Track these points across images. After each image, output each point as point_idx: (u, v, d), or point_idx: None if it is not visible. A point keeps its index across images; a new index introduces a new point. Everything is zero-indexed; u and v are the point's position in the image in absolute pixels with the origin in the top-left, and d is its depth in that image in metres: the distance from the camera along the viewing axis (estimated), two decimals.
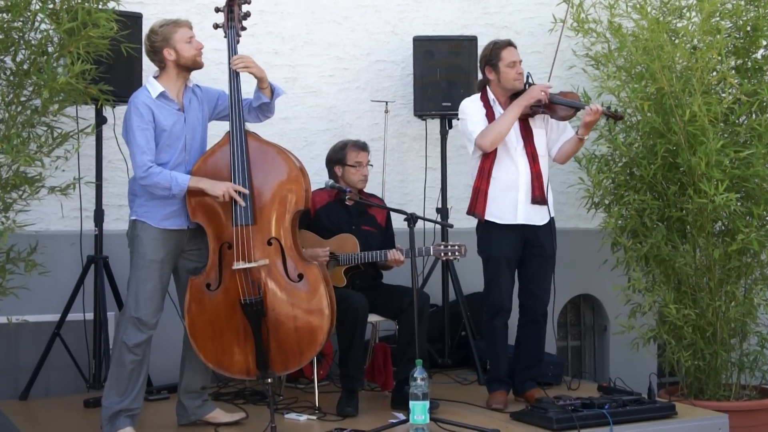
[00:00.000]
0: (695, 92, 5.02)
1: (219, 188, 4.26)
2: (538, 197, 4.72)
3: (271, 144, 4.45)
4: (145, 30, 4.86)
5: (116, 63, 4.72)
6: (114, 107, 4.94)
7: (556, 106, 4.75)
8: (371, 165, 5.11)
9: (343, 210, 5.03)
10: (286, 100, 5.68)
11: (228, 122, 4.39)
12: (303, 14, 5.80)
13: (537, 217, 4.79)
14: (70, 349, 5.01)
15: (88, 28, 4.24)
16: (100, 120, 4.98)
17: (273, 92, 4.49)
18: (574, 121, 4.93)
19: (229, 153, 4.32)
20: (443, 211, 5.76)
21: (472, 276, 5.49)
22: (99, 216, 5.09)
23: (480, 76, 4.97)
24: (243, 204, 4.26)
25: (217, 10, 4.55)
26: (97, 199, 5.09)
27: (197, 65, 4.31)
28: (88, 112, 5.05)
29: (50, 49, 4.40)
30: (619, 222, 5.40)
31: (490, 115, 4.80)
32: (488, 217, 4.74)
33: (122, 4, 4.66)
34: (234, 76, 4.38)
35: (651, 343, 5.51)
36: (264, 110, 4.53)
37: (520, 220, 4.74)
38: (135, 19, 4.94)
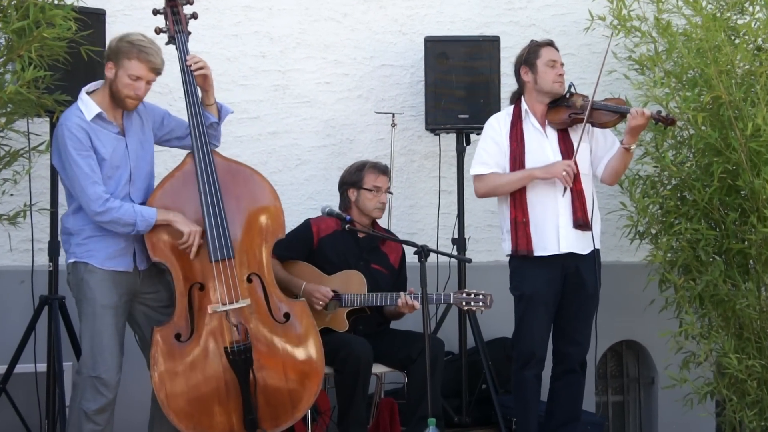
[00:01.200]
0: (759, 101, 5.01)
1: (189, 225, 4.22)
2: (581, 220, 4.72)
3: (240, 164, 4.46)
4: (109, 29, 4.88)
5: (75, 68, 4.68)
6: None
7: (596, 111, 4.77)
8: (391, 193, 5.18)
9: (352, 242, 5.05)
10: (275, 112, 5.72)
11: (177, 149, 4.43)
12: (296, 11, 5.79)
13: (580, 244, 4.78)
14: (17, 406, 4.97)
15: (42, 27, 4.21)
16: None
17: (220, 111, 4.49)
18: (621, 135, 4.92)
19: (194, 177, 4.29)
20: (460, 242, 5.69)
21: (494, 318, 5.45)
22: (54, 249, 5.03)
23: (504, 88, 5.09)
24: (192, 257, 4.20)
25: (156, 12, 4.53)
26: (51, 229, 5.04)
27: (123, 105, 4.28)
28: (41, 126, 5.00)
29: None
30: (669, 255, 5.41)
31: (518, 131, 4.82)
32: (537, 251, 4.74)
33: (82, 0, 4.64)
34: (190, 82, 4.38)
35: (707, 399, 5.46)
36: (210, 136, 4.47)
37: (563, 249, 4.73)
38: (97, 16, 4.89)
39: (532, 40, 4.96)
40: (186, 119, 4.45)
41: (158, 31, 4.50)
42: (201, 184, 4.27)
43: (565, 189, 4.66)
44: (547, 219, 4.76)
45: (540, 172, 4.70)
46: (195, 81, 4.39)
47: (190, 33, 4.52)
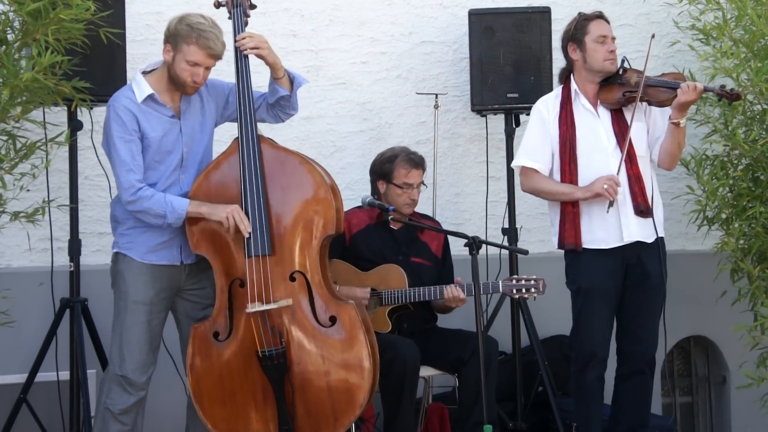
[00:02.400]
0: None
1: (221, 211, 4.23)
2: (642, 205, 4.68)
3: (290, 151, 4.44)
4: (130, 10, 4.95)
5: (94, 53, 4.71)
6: (92, 109, 4.93)
7: (651, 89, 4.74)
8: (425, 185, 5.12)
9: (387, 235, 5.04)
10: (308, 96, 5.68)
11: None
12: None
13: (643, 232, 4.74)
14: (39, 418, 4.99)
15: (59, 9, 4.23)
16: (75, 125, 4.95)
17: (293, 82, 4.47)
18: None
19: (237, 165, 4.29)
20: (511, 233, 5.68)
21: (550, 314, 5.51)
22: (75, 248, 5.06)
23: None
24: (246, 234, 4.22)
25: None
26: (72, 226, 5.06)
27: (182, 89, 4.33)
28: (59, 115, 5.03)
29: (10, 37, 4.39)
30: (741, 242, 5.35)
31: (568, 113, 4.80)
32: (587, 244, 4.73)
33: None
34: (242, 63, 4.39)
35: None
36: (284, 107, 4.52)
37: (627, 239, 4.70)
38: None
39: (579, 13, 4.91)
40: (262, 89, 4.52)
41: (217, 5, 4.50)
42: (243, 172, 4.27)
43: (610, 204, 4.63)
44: (604, 207, 4.70)
45: (581, 193, 4.69)
46: (246, 60, 4.40)
47: (254, 6, 4.51)
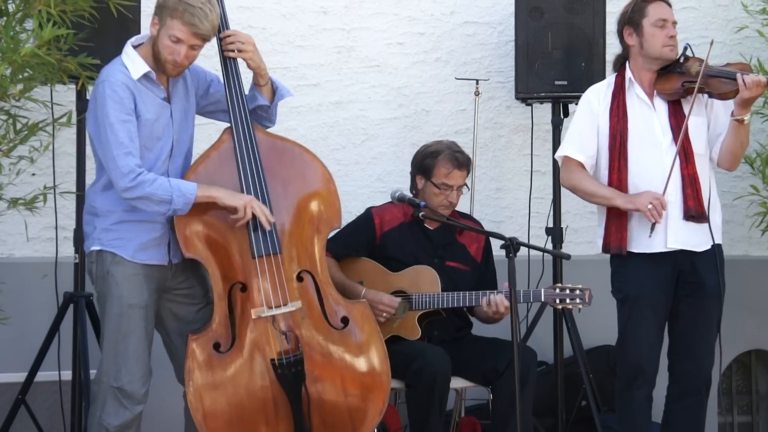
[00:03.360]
0: None
1: (239, 198, 4.15)
2: (693, 209, 4.57)
3: (287, 140, 4.43)
4: None
5: (104, 26, 4.63)
6: None
7: (713, 79, 4.60)
8: (467, 187, 5.05)
9: (421, 236, 4.98)
10: (339, 78, 5.71)
11: (222, 122, 4.36)
12: None
13: (693, 239, 4.62)
14: (38, 420, 4.97)
15: None
16: (83, 106, 4.84)
17: (275, 92, 4.42)
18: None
19: (232, 156, 4.23)
20: (556, 233, 5.59)
21: (597, 322, 5.39)
22: (81, 238, 4.82)
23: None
24: (269, 227, 4.15)
25: None
26: (77, 214, 4.97)
27: (164, 69, 4.20)
28: (65, 95, 5.01)
29: (10, 8, 4.31)
30: None
31: (620, 104, 4.70)
32: (635, 248, 4.63)
33: None
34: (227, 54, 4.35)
35: None
36: (261, 117, 4.45)
37: (671, 245, 4.59)
38: None
39: None
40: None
41: None
42: (240, 165, 4.22)
43: (653, 226, 4.52)
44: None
45: (622, 201, 4.60)
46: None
47: None
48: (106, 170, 4.14)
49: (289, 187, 4.27)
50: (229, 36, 4.30)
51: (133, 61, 4.17)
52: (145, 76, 4.17)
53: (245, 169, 4.21)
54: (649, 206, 4.49)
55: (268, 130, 4.43)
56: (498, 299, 4.71)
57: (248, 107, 4.31)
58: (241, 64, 4.36)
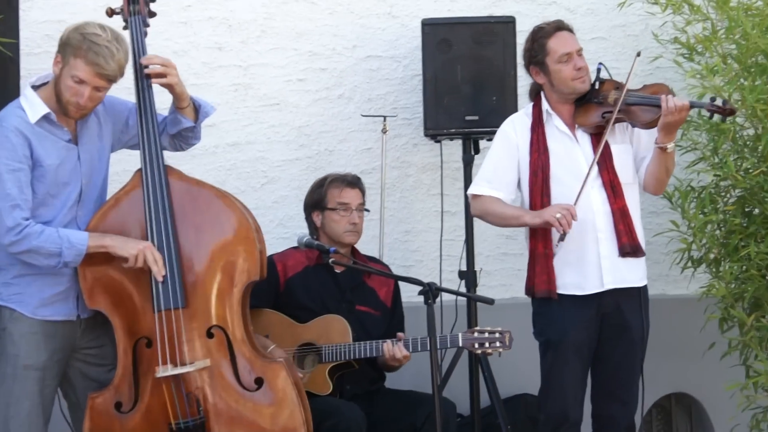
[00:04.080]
0: None
1: (131, 247, 4.07)
2: (627, 245, 4.55)
3: (203, 184, 4.37)
4: (26, 18, 4.95)
5: None
6: None
7: (633, 108, 4.61)
8: (367, 210, 5.04)
9: (328, 279, 4.95)
10: (236, 118, 5.69)
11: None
12: None
13: (631, 276, 4.61)
14: None
15: None
16: None
17: (198, 111, 4.38)
18: None
19: (142, 200, 4.15)
20: (469, 276, 5.53)
21: (513, 370, 5.39)
22: None
23: (521, 80, 5.11)
24: (160, 278, 4.08)
25: None
26: None
27: (66, 112, 4.12)
28: None
29: None
30: (733, 286, 5.23)
31: (540, 137, 4.66)
32: (560, 289, 4.59)
33: None
34: (143, 83, 4.27)
35: None
36: (188, 137, 4.47)
37: (608, 285, 4.56)
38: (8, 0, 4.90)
39: (533, 29, 4.76)
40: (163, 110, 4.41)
41: (110, 12, 4.38)
42: (148, 209, 4.15)
43: (561, 236, 4.49)
44: (583, 248, 4.56)
45: (530, 218, 4.57)
46: (149, 82, 4.26)
47: (153, 14, 4.42)
48: None
49: (202, 235, 4.20)
50: (151, 58, 4.23)
51: (31, 104, 4.08)
52: (45, 118, 4.07)
53: (151, 215, 4.15)
54: (558, 215, 4.43)
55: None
56: (394, 350, 4.68)
57: (160, 145, 4.24)
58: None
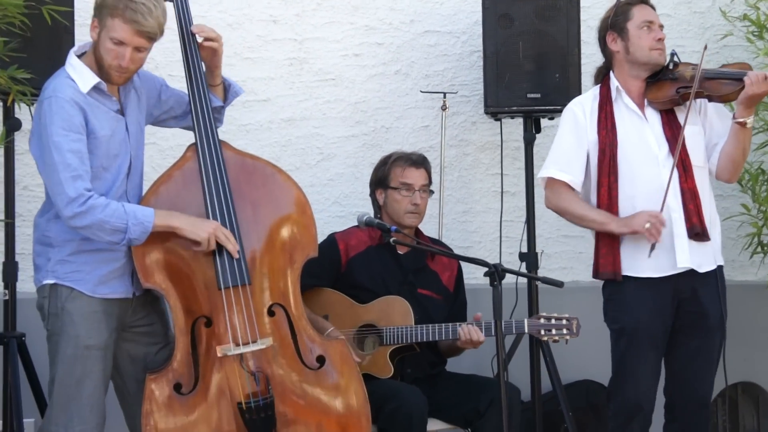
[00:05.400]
0: None
1: (202, 229, 4.06)
2: (697, 226, 4.53)
3: (258, 159, 4.38)
4: None
5: (36, 35, 4.61)
6: (32, 104, 4.74)
7: (711, 82, 4.58)
8: (432, 192, 5.04)
9: (391, 260, 4.92)
10: (291, 93, 5.71)
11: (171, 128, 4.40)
12: None
13: (699, 258, 4.58)
14: None
15: None
16: (12, 124, 4.87)
17: (227, 91, 4.41)
18: None
19: (197, 176, 4.15)
20: (531, 258, 5.55)
21: (574, 356, 5.39)
22: (10, 271, 4.99)
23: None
24: (236, 255, 4.07)
25: None
26: (6, 246, 5.00)
27: (107, 77, 4.08)
28: None
29: None
30: None
31: (608, 115, 4.66)
32: (630, 271, 4.56)
33: None
34: (193, 58, 4.25)
35: None
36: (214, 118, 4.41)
37: (682, 264, 4.53)
38: None
39: None
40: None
41: None
42: (206, 186, 4.13)
43: (652, 247, 4.47)
44: None
45: (616, 226, 4.54)
46: (199, 53, 4.25)
47: None
48: (51, 196, 4.00)
49: (259, 211, 4.20)
50: (200, 26, 4.23)
51: (80, 73, 4.04)
52: (95, 88, 4.04)
53: (211, 191, 4.13)
54: (647, 225, 4.43)
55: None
56: (474, 333, 4.65)
57: (214, 119, 4.23)
58: None
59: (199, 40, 4.24)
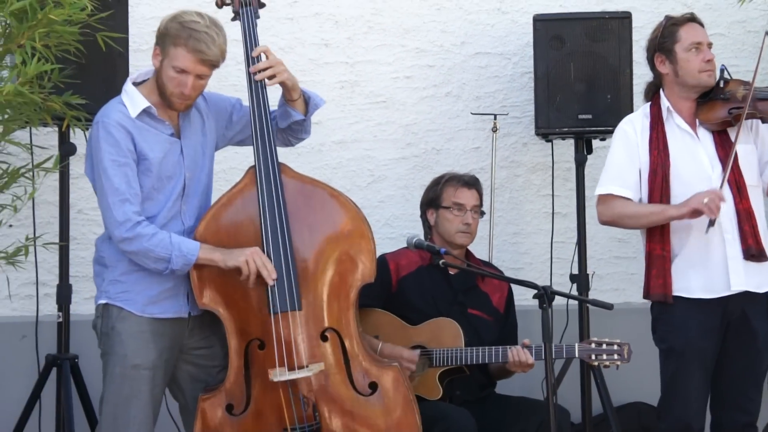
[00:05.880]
0: None
1: (238, 256, 4.07)
2: (753, 248, 4.47)
3: (317, 182, 4.34)
4: (134, 14, 4.99)
5: (91, 63, 4.65)
6: (87, 129, 4.68)
7: (765, 103, 4.53)
8: (483, 212, 5.02)
9: (442, 281, 4.91)
10: (342, 116, 5.72)
11: (251, 148, 4.26)
12: None
13: (754, 280, 4.53)
14: None
15: (48, 8, 4.08)
16: (67, 149, 4.90)
17: (308, 103, 4.37)
18: None
19: (255, 200, 4.16)
20: (582, 280, 5.54)
21: (626, 377, 5.25)
22: (64, 294, 5.00)
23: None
24: (271, 282, 4.08)
25: None
26: (61, 268, 5.01)
27: (170, 105, 4.15)
28: (49, 138, 5.04)
29: None
30: None
31: (659, 135, 4.62)
32: (682, 292, 4.52)
33: None
34: (255, 82, 4.27)
35: None
36: (297, 131, 4.44)
37: (736, 287, 4.48)
38: None
39: (665, 17, 4.73)
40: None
41: (220, 3, 4.37)
42: (263, 209, 4.13)
43: (709, 223, 4.42)
44: (709, 249, 4.50)
45: (675, 210, 4.49)
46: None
47: (263, 5, 4.40)
48: (103, 218, 4.06)
49: (316, 235, 4.19)
50: (261, 66, 4.20)
51: (131, 98, 4.10)
52: (146, 112, 4.09)
53: (265, 215, 4.12)
54: (705, 200, 4.37)
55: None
56: (524, 356, 4.62)
57: (275, 142, 4.23)
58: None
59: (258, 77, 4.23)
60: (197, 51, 3.99)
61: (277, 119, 4.35)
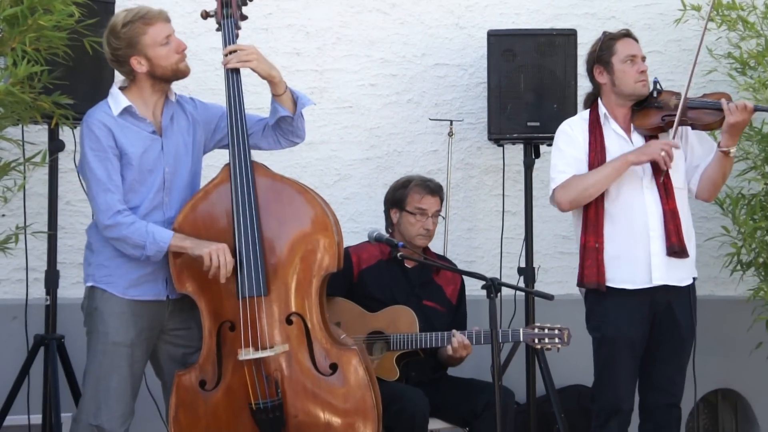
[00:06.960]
0: None
1: (204, 247, 4.04)
2: (676, 245, 4.48)
3: (287, 180, 4.29)
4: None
5: (79, 65, 4.59)
6: (75, 127, 4.72)
7: (695, 111, 4.54)
8: (442, 217, 5.05)
9: (399, 274, 4.90)
10: (312, 119, 5.50)
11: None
12: (336, 1, 5.74)
13: (676, 274, 4.55)
14: None
15: (38, 14, 4.07)
16: (56, 145, 4.84)
17: (296, 102, 4.31)
18: None
19: (229, 194, 4.14)
20: (528, 273, 5.49)
21: (567, 362, 5.31)
22: (52, 279, 4.95)
23: (581, 90, 4.99)
24: (223, 280, 4.03)
25: None
26: (49, 255, 4.94)
27: (180, 74, 4.17)
28: (40, 134, 4.97)
29: None
30: None
31: (597, 138, 4.62)
32: (611, 283, 4.53)
33: None
34: (232, 80, 4.23)
35: None
36: (286, 131, 4.36)
37: (656, 281, 4.50)
38: (105, 4, 4.81)
39: (603, 33, 4.74)
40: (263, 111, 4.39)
41: (205, 14, 4.34)
42: (235, 202, 4.11)
43: (662, 173, 4.43)
44: (634, 244, 4.50)
45: (634, 156, 4.47)
46: (237, 77, 4.22)
47: (245, 17, 4.37)
48: (91, 207, 4.07)
49: (284, 227, 4.15)
50: (229, 52, 4.19)
51: (115, 99, 4.10)
52: (127, 110, 4.08)
53: (238, 207, 4.09)
54: (662, 153, 4.38)
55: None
56: (461, 338, 4.62)
57: (251, 140, 4.20)
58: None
59: (226, 63, 4.20)
60: (157, 19, 4.05)
61: (268, 118, 4.31)
